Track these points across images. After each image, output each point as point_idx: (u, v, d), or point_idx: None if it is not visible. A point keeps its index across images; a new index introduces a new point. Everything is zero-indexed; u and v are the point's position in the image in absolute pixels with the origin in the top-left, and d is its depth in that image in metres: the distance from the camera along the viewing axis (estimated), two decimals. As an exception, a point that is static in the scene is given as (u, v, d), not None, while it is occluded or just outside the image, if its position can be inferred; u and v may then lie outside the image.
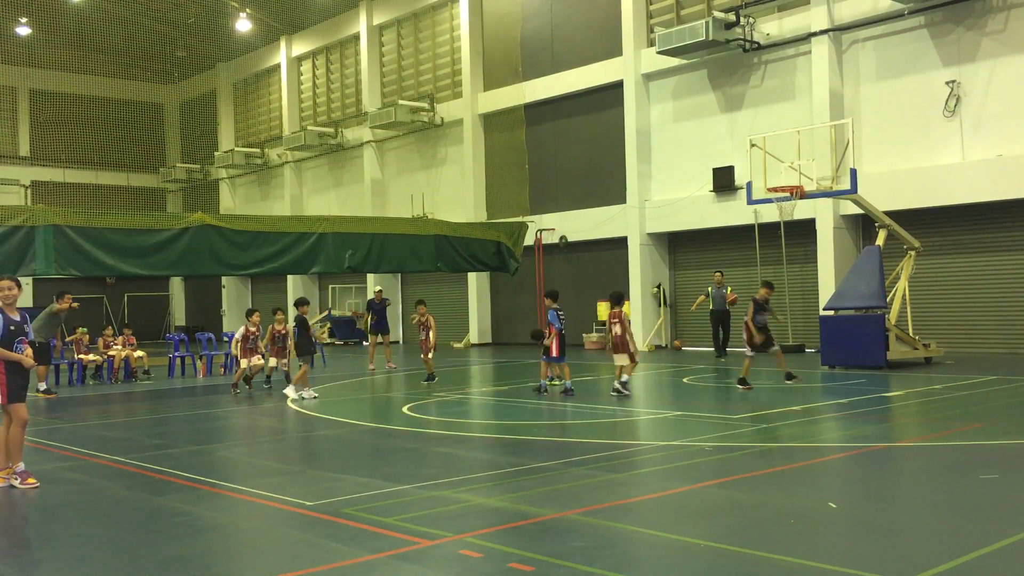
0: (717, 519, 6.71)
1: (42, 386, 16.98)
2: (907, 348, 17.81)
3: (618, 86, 26.34)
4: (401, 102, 32.07)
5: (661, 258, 26.23)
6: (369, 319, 21.99)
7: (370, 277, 32.67)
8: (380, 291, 22.75)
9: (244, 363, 17.01)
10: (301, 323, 16.00)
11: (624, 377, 14.03)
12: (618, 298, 14.36)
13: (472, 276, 29.76)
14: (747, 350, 14.53)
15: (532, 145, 29.28)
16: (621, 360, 13.99)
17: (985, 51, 19.84)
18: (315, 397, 15.13)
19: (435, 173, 32.67)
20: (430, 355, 17.68)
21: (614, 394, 13.89)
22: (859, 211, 19.85)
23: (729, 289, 21.51)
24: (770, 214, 22.32)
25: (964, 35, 20.14)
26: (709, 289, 21.89)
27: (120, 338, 20.53)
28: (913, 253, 18.61)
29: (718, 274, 22.03)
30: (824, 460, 8.96)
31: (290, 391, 15.52)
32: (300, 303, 16.63)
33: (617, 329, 13.99)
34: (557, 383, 14.95)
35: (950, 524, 6.44)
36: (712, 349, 22.33)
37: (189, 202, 44.61)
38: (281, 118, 39.97)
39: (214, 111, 44.10)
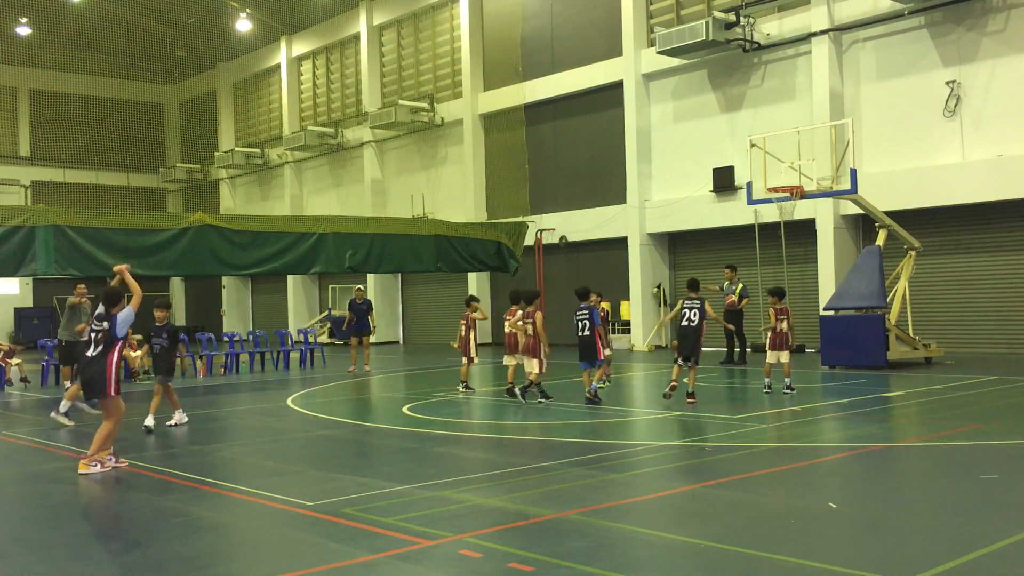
0: (717, 519, 6.71)
1: (67, 384, 17.09)
2: (907, 348, 17.81)
3: (618, 86, 26.33)
4: (401, 102, 32.07)
5: (661, 258, 26.22)
6: (349, 320, 21.48)
7: (370, 277, 32.67)
8: (361, 290, 22.39)
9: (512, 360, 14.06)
10: (169, 333, 12.64)
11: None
12: (531, 298, 13.86)
13: (472, 276, 29.74)
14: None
15: (532, 145, 29.28)
16: (532, 366, 13.49)
17: (985, 51, 19.84)
18: (181, 424, 12.36)
19: (435, 173, 32.67)
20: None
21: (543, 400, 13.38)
22: (859, 211, 19.85)
23: (739, 288, 19.60)
24: (770, 214, 22.30)
25: (964, 35, 20.13)
26: (725, 283, 19.99)
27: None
28: (913, 253, 18.61)
29: (727, 270, 20.12)
30: (824, 460, 8.96)
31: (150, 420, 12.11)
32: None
33: (530, 330, 13.53)
34: (603, 385, 14.28)
35: (950, 524, 6.44)
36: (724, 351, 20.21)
37: (189, 202, 44.58)
38: (281, 118, 39.96)
39: (214, 111, 44.09)
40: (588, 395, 13.20)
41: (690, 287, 13.65)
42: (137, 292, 9.62)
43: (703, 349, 13.39)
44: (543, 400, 13.40)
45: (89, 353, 9.26)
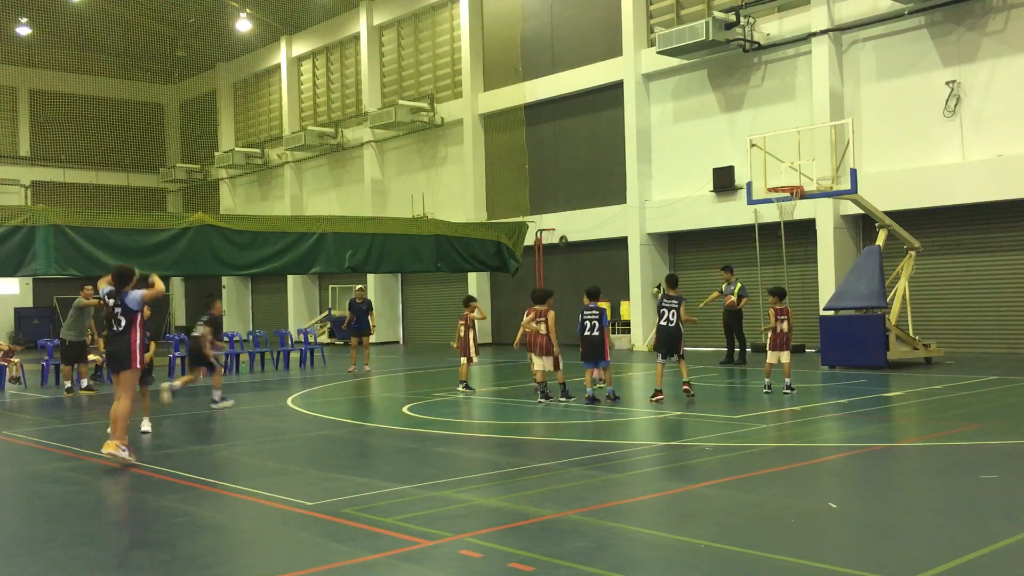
0: (717, 519, 6.71)
1: (84, 382, 17.15)
2: (907, 348, 17.81)
3: (618, 86, 26.33)
4: (401, 102, 32.07)
5: (661, 258, 26.22)
6: (350, 320, 21.42)
7: (370, 277, 32.67)
8: (362, 289, 22.35)
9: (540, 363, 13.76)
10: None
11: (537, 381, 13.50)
12: (543, 297, 13.77)
13: (472, 276, 29.75)
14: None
15: (532, 145, 29.27)
16: (544, 364, 13.46)
17: (985, 51, 19.84)
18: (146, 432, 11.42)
19: (435, 173, 32.68)
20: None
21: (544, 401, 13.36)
22: (859, 211, 19.85)
23: (738, 287, 19.61)
24: (770, 214, 22.30)
25: (964, 35, 20.13)
26: (723, 287, 19.96)
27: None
28: (913, 253, 18.61)
29: (724, 271, 19.95)
30: (824, 460, 8.96)
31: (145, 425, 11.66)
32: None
33: (542, 329, 13.49)
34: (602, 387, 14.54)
35: (950, 524, 6.44)
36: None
37: (189, 202, 44.59)
38: (281, 118, 39.96)
39: (214, 111, 44.08)
40: (610, 395, 13.27)
41: (670, 284, 13.81)
42: (157, 290, 10.05)
43: (685, 348, 13.60)
44: (542, 400, 13.42)
45: (113, 329, 9.69)
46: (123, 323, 9.62)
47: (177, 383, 14.22)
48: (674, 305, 13.26)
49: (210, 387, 14.77)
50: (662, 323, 13.33)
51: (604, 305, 13.92)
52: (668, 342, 13.26)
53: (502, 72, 30.16)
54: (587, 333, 13.13)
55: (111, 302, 9.73)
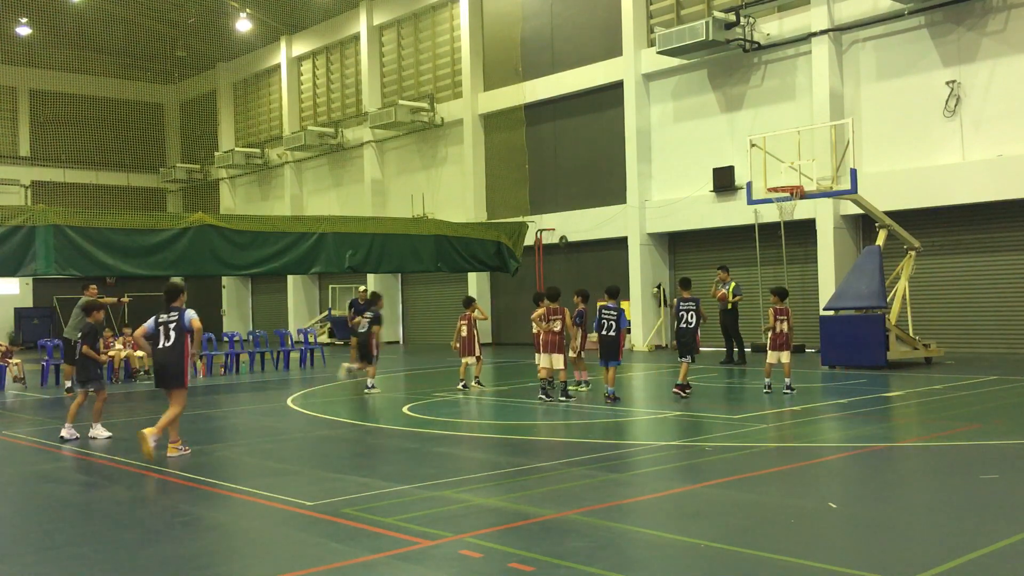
0: (717, 519, 6.71)
1: (67, 383, 17.11)
2: (907, 348, 17.81)
3: (618, 86, 26.34)
4: (401, 102, 32.07)
5: (661, 258, 26.22)
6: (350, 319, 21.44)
7: (370, 277, 32.67)
8: (365, 290, 22.42)
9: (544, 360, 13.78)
10: (88, 332, 11.49)
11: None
12: (555, 295, 13.90)
13: (472, 276, 29.75)
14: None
15: (532, 145, 29.27)
16: (552, 362, 13.56)
17: (985, 51, 19.84)
18: (109, 437, 11.27)
19: (435, 173, 32.68)
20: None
21: (544, 398, 13.53)
22: (859, 211, 19.85)
23: (732, 286, 19.59)
24: (770, 214, 22.30)
25: (964, 35, 20.13)
26: (719, 286, 19.87)
27: (121, 338, 20.49)
28: (913, 253, 18.61)
29: (720, 271, 20.07)
30: (824, 460, 8.96)
31: (66, 431, 11.33)
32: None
33: (556, 326, 13.62)
34: (583, 388, 14.59)
35: (950, 524, 6.44)
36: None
37: (189, 202, 44.55)
38: (281, 118, 39.96)
39: (214, 111, 44.07)
40: (610, 396, 13.31)
41: (683, 286, 14.17)
42: (200, 331, 10.32)
43: (701, 349, 14.08)
44: (543, 397, 13.44)
45: (162, 344, 9.92)
46: (172, 337, 9.86)
47: (355, 366, 16.08)
48: (692, 307, 13.71)
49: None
50: (682, 325, 13.74)
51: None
52: (686, 343, 13.67)
53: (502, 72, 30.16)
54: (604, 332, 13.21)
55: (167, 316, 9.94)
